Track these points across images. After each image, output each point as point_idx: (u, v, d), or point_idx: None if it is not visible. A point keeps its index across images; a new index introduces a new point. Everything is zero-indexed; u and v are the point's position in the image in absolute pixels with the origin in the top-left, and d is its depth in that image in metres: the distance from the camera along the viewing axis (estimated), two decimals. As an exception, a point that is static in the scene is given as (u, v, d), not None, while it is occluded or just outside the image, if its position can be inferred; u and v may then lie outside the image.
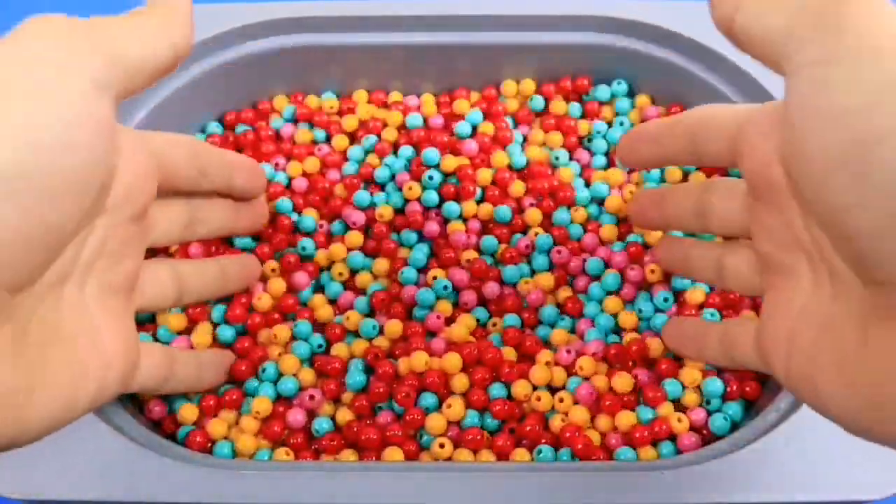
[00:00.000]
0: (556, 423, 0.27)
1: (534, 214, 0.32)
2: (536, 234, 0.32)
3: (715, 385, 0.28)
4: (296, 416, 0.28)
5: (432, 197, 0.33)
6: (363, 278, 0.32)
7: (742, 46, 0.19)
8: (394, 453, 0.27)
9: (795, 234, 0.19)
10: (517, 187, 0.33)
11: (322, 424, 0.28)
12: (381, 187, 0.34)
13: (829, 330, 0.18)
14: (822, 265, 0.18)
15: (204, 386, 0.28)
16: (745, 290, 0.23)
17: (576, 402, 0.28)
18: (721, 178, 0.24)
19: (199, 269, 0.28)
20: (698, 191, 0.24)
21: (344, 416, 0.28)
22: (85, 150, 0.17)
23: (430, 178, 0.33)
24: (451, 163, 0.33)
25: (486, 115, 0.36)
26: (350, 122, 0.36)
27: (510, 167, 0.34)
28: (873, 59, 0.15)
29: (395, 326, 0.30)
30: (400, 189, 0.33)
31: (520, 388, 0.28)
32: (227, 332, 0.31)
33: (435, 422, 0.27)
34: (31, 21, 0.18)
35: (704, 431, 0.28)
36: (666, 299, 0.30)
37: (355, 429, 0.27)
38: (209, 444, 0.28)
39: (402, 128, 0.36)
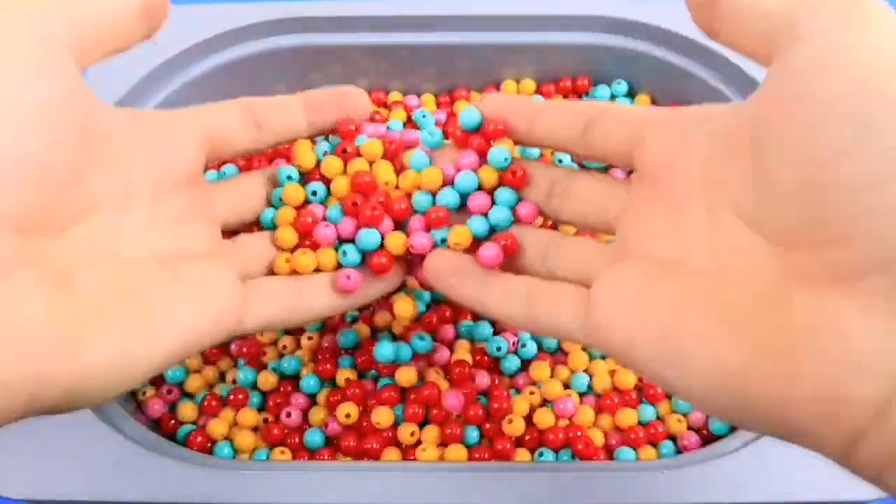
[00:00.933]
0: (550, 421, 0.27)
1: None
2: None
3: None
4: (292, 417, 0.28)
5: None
6: None
7: (723, 30, 0.19)
8: (392, 453, 0.27)
9: (671, 217, 0.20)
10: None
11: (314, 436, 0.28)
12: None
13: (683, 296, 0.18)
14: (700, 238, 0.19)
15: (358, 304, 0.25)
16: (574, 274, 0.22)
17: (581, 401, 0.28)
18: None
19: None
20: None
21: (345, 410, 0.28)
22: (34, 89, 0.17)
23: None
24: None
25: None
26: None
27: None
28: None
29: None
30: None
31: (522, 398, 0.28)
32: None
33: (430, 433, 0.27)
34: None
35: (704, 431, 0.28)
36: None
37: (351, 442, 0.27)
38: (209, 444, 0.28)
39: (409, 121, 0.36)
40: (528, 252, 0.24)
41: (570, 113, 0.23)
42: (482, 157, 0.24)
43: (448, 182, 0.25)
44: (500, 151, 0.24)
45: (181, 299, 0.20)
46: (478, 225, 0.24)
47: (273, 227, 0.25)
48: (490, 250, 0.23)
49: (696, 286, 0.18)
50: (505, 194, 0.24)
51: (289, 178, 0.26)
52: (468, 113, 0.24)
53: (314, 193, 0.25)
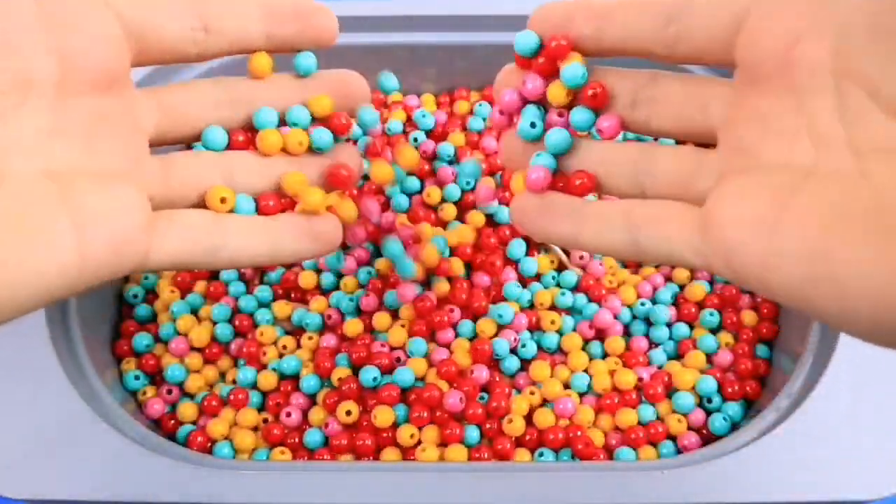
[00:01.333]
0: (550, 421, 0.27)
1: None
2: None
3: (707, 384, 0.28)
4: (292, 417, 0.28)
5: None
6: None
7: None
8: (392, 453, 0.27)
9: (795, 118, 0.17)
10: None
11: (314, 436, 0.28)
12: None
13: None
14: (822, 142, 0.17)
15: (282, 256, 0.22)
16: (674, 189, 0.20)
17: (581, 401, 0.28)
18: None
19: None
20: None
21: (344, 408, 0.28)
22: None
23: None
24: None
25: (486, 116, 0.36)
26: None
27: None
28: None
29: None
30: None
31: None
32: (226, 331, 0.31)
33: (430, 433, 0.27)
34: None
35: (704, 431, 0.28)
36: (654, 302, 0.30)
37: (344, 441, 0.27)
38: (209, 444, 0.28)
39: (409, 121, 0.36)
40: (615, 171, 0.20)
41: (647, 4, 0.19)
42: (548, 80, 0.21)
43: (507, 110, 0.22)
44: (574, 68, 0.20)
45: (67, 225, 0.18)
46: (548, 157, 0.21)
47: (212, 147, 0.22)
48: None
49: (846, 195, 0.15)
50: (581, 115, 0.21)
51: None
52: (524, 37, 0.20)
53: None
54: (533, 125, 0.21)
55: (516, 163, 0.22)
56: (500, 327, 0.30)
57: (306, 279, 0.32)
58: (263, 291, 0.32)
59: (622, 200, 0.20)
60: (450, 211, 0.33)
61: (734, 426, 0.28)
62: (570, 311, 0.31)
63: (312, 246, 0.22)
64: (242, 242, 0.21)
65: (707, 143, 0.20)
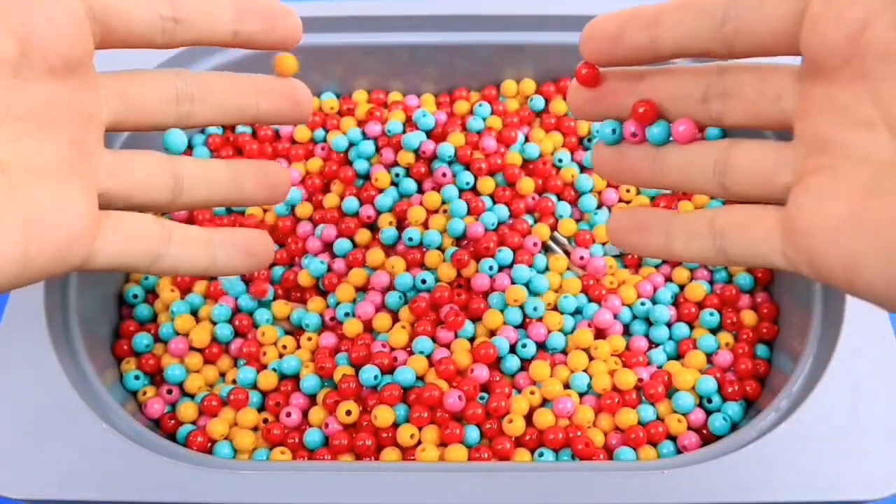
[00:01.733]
0: (550, 421, 0.27)
1: (541, 230, 0.33)
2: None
3: (707, 384, 0.28)
4: (292, 417, 0.28)
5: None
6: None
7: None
8: (392, 453, 0.27)
9: (870, 107, 0.17)
10: (527, 184, 0.34)
11: (314, 436, 0.28)
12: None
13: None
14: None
15: (218, 269, 0.23)
16: (755, 188, 0.19)
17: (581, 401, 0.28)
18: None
19: (203, 165, 0.23)
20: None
21: (347, 408, 0.28)
22: None
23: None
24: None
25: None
26: (348, 123, 0.36)
27: (524, 160, 0.35)
28: None
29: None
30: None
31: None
32: (225, 331, 0.31)
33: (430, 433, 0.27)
34: None
35: (704, 431, 0.28)
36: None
37: (344, 441, 0.27)
38: (209, 444, 0.28)
39: (409, 121, 0.36)
40: (696, 171, 0.20)
41: (698, 4, 0.18)
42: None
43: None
44: (662, 131, 0.20)
45: (14, 224, 0.18)
46: None
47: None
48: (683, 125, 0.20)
49: None
50: (658, 130, 0.20)
51: None
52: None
53: None
54: (613, 131, 0.21)
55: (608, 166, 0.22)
56: (505, 324, 0.30)
57: (306, 279, 0.32)
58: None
59: (707, 210, 0.20)
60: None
61: (734, 426, 0.28)
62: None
63: (247, 262, 0.23)
64: (183, 253, 0.22)
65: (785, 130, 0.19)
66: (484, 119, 0.36)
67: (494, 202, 0.34)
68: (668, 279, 0.32)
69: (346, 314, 0.31)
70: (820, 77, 0.17)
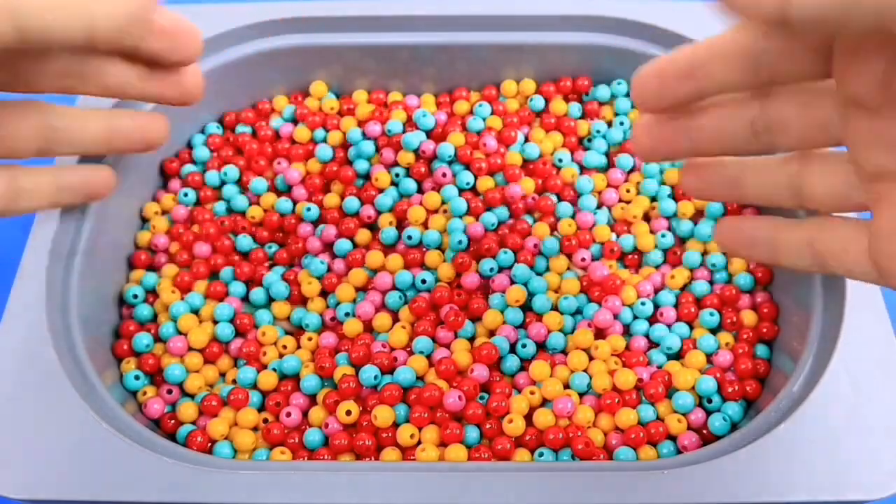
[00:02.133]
0: (550, 421, 0.27)
1: (541, 229, 0.33)
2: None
3: (707, 384, 0.28)
4: (292, 417, 0.28)
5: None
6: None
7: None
8: (392, 453, 0.27)
9: None
10: (527, 184, 0.34)
11: (314, 436, 0.28)
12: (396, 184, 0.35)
13: None
14: None
15: (62, 205, 0.28)
16: (834, 207, 0.20)
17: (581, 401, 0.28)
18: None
19: (78, 116, 0.27)
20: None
21: (346, 407, 0.28)
22: None
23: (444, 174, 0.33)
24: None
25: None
26: (348, 123, 0.36)
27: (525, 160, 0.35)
28: None
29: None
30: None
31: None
32: (226, 331, 0.31)
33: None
34: None
35: (704, 431, 0.28)
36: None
37: (344, 441, 0.27)
38: (209, 444, 0.28)
39: (409, 121, 0.36)
40: (774, 195, 0.21)
41: (727, 46, 0.19)
42: None
43: None
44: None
45: None
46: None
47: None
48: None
49: None
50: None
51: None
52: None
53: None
54: None
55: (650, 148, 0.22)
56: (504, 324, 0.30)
57: (307, 286, 0.32)
58: (261, 294, 0.32)
59: (804, 231, 0.21)
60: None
61: (734, 426, 0.28)
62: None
63: (87, 200, 0.28)
64: (37, 196, 0.26)
65: None
66: (484, 119, 0.36)
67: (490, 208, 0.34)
68: (668, 280, 0.32)
69: (347, 314, 0.31)
70: (859, 108, 0.17)
